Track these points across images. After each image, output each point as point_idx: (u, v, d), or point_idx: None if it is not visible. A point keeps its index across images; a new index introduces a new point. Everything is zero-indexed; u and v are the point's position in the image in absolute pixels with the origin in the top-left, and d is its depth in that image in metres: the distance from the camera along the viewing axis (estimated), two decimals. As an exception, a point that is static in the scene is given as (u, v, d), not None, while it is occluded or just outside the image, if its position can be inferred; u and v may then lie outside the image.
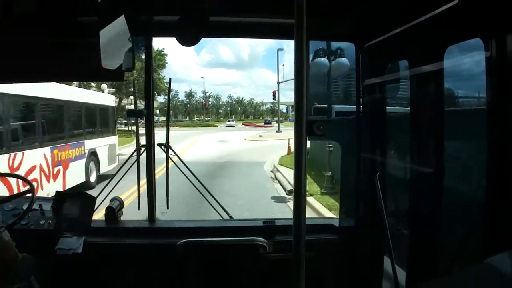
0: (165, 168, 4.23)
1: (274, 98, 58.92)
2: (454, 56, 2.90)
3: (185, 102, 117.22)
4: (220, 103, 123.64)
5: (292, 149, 2.29)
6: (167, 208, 4.39)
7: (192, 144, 38.49)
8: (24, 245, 3.02)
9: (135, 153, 4.04)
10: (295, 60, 1.65)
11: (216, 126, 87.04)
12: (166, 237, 3.78)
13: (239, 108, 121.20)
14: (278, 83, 65.83)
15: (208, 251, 3.74)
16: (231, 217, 4.22)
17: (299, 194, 1.66)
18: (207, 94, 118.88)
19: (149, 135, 3.87)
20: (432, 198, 3.11)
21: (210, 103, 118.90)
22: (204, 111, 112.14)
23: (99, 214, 4.04)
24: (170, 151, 4.21)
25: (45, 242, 3.46)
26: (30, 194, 3.68)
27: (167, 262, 3.70)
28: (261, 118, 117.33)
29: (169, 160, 4.25)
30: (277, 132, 60.33)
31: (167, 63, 51.34)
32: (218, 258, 3.75)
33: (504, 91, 2.31)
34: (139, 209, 4.22)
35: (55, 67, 3.58)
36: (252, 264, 3.74)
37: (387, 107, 3.88)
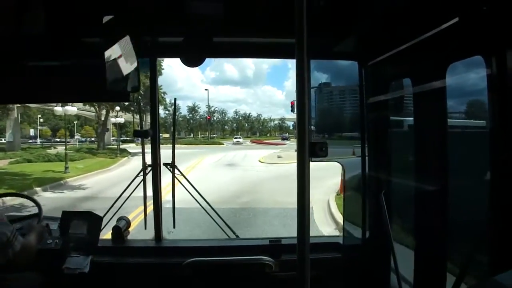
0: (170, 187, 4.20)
1: (292, 110, 49.17)
2: (456, 73, 2.92)
3: (188, 117, 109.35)
4: (226, 118, 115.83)
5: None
6: (174, 227, 4.38)
7: (191, 169, 28.09)
8: (32, 263, 3.04)
9: (141, 173, 4.04)
10: (297, 79, 1.67)
11: (222, 144, 79.09)
12: (173, 257, 3.78)
13: (246, 124, 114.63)
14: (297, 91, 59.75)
15: (214, 270, 3.73)
16: (237, 236, 4.21)
17: (302, 212, 1.67)
18: (212, 109, 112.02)
19: (155, 155, 3.89)
20: (438, 215, 3.10)
21: (215, 118, 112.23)
22: (209, 127, 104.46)
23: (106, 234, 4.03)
24: (176, 171, 4.21)
25: (52, 261, 3.47)
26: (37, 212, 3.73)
27: (173, 282, 3.70)
28: (268, 135, 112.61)
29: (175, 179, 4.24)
30: (295, 150, 53.14)
31: (163, 69, 48.75)
32: (225, 277, 3.74)
33: (506, 107, 2.32)
34: (145, 228, 4.22)
35: (60, 88, 3.62)
36: (258, 283, 3.73)
37: (391, 125, 3.89)
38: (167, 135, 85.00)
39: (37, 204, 3.87)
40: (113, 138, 66.03)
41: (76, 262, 3.50)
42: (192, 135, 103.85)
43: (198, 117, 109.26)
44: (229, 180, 23.87)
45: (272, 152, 50.23)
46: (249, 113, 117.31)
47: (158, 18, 3.23)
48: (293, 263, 1.71)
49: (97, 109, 48.62)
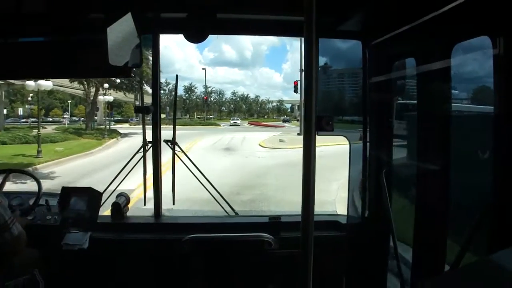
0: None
1: (295, 90, 47.81)
2: (462, 53, 2.91)
3: (184, 97, 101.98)
4: (223, 99, 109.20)
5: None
6: (173, 204, 4.39)
7: (181, 156, 13.38)
8: (30, 240, 3.04)
9: (142, 149, 4.04)
10: (305, 57, 1.66)
11: (219, 125, 74.01)
12: (172, 233, 3.80)
13: (244, 106, 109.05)
14: (301, 70, 44.80)
15: (213, 246, 3.75)
16: (236, 213, 4.23)
17: (307, 190, 1.67)
18: (209, 90, 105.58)
19: (156, 132, 3.88)
20: (438, 195, 3.11)
21: (212, 99, 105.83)
22: (206, 108, 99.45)
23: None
24: (176, 147, 4.21)
25: (51, 237, 3.48)
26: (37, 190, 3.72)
27: (172, 258, 3.72)
28: (266, 117, 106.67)
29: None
30: (298, 134, 44.53)
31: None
32: (224, 254, 3.77)
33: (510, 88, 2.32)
34: (145, 204, 4.22)
35: (63, 64, 3.60)
36: (257, 259, 3.75)
37: (394, 104, 3.89)
38: (162, 116, 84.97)
39: (36, 180, 3.87)
40: (106, 118, 63.72)
41: (75, 238, 3.51)
42: (188, 116, 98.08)
43: (194, 97, 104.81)
44: (226, 170, 19.49)
45: (272, 135, 46.17)
46: (247, 94, 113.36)
47: None
48: (292, 240, 1.73)
49: (86, 86, 45.29)
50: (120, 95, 53.84)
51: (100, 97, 43.28)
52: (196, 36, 3.42)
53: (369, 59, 3.80)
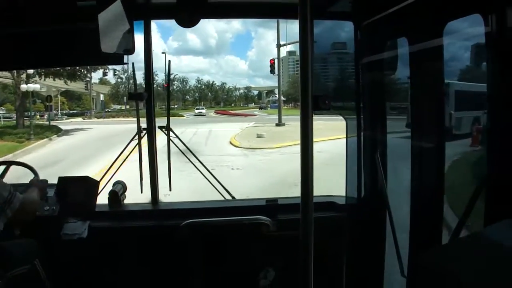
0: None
1: (272, 71, 40.03)
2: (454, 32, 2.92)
3: (144, 86, 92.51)
4: (187, 87, 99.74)
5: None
6: (170, 190, 4.40)
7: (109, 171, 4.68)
8: (29, 231, 3.05)
9: (137, 136, 4.04)
10: (300, 39, 1.67)
11: (182, 116, 63.06)
12: (170, 219, 3.82)
13: (209, 94, 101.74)
14: (279, 46, 41.20)
15: (211, 231, 3.78)
16: (233, 197, 4.25)
17: (306, 171, 1.68)
18: (172, 77, 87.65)
19: (150, 118, 3.89)
20: (432, 171, 3.14)
21: (175, 87, 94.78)
22: (167, 97, 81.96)
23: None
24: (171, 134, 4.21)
25: (50, 227, 3.49)
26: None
27: (171, 244, 3.73)
28: (233, 105, 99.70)
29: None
30: (277, 125, 38.66)
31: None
32: (222, 238, 3.79)
33: (504, 66, 2.34)
34: (141, 192, 4.23)
35: (55, 53, 3.59)
36: (256, 242, 3.77)
37: (386, 85, 3.91)
38: (120, 107, 75.63)
39: (32, 170, 3.87)
40: (61, 112, 57.80)
41: (74, 227, 3.52)
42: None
43: (155, 86, 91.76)
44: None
45: (245, 127, 38.19)
46: (213, 82, 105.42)
47: None
48: (290, 222, 1.74)
49: (15, 74, 33.89)
50: (74, 85, 49.75)
51: (23, 86, 33.37)
52: (187, 21, 3.40)
53: (361, 40, 3.80)
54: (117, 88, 75.80)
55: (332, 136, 19.64)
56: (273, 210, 3.78)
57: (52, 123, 41.60)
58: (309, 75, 1.65)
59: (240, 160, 20.69)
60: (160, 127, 4.12)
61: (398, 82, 4.00)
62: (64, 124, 43.32)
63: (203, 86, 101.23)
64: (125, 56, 3.51)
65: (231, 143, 27.81)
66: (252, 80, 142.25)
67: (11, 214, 2.80)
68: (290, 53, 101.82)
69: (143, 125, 3.96)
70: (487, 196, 2.47)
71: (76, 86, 51.16)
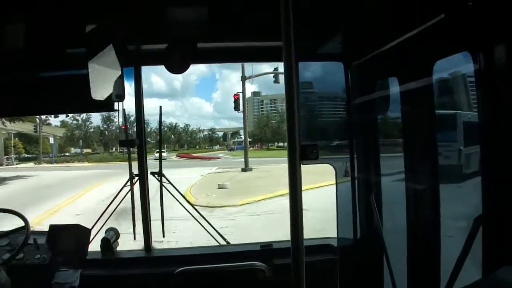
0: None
1: (236, 108, 37.10)
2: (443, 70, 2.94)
3: (102, 129, 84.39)
4: (149, 130, 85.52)
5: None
6: (163, 236, 4.35)
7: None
8: (20, 280, 2.98)
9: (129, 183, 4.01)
10: (285, 82, 1.65)
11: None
12: (163, 266, 3.74)
13: (172, 136, 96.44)
14: (244, 79, 37.61)
15: (206, 278, 3.69)
16: (227, 242, 4.19)
17: (295, 215, 1.66)
18: (131, 119, 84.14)
19: (142, 164, 3.86)
20: (428, 216, 3.11)
21: (135, 129, 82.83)
22: (159, 141, 74.98)
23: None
24: (164, 179, 4.19)
25: (41, 276, 3.41)
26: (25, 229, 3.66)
27: None
28: (197, 147, 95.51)
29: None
30: (243, 170, 35.42)
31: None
32: (217, 285, 3.71)
33: (493, 101, 2.34)
34: (134, 238, 4.17)
35: (44, 100, 3.58)
36: None
37: (378, 125, 3.90)
38: (88, 150, 74.01)
39: (23, 218, 3.81)
40: (14, 156, 54.38)
41: (66, 276, 3.44)
42: (108, 150, 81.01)
43: (114, 128, 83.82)
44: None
45: (206, 173, 33.87)
46: (175, 123, 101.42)
47: (142, 26, 3.21)
48: (285, 267, 1.71)
49: None
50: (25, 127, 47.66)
51: None
52: (177, 66, 3.42)
53: (351, 80, 3.82)
54: (72, 131, 73.30)
55: (317, 183, 17.45)
56: (268, 255, 3.72)
57: (-1, 168, 37.41)
58: (296, 123, 1.64)
59: (191, 228, 9.19)
60: (152, 173, 4.09)
61: (390, 122, 4.00)
62: (9, 170, 41.29)
63: (165, 128, 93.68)
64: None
65: (185, 198, 15.83)
66: (218, 122, 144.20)
67: None
68: (255, 93, 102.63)
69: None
70: (486, 240, 2.44)
71: (27, 128, 49.50)
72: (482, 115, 2.50)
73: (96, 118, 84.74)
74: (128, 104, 3.63)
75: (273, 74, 38.25)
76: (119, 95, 3.17)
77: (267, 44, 3.57)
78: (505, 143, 2.32)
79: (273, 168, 34.53)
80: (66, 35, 3.20)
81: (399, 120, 3.46)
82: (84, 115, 69.60)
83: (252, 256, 3.74)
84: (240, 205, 19.02)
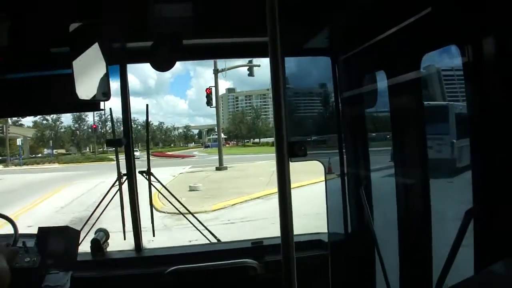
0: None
1: (208, 103, 35.07)
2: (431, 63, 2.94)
3: (73, 128, 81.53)
4: (122, 129, 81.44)
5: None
6: (153, 235, 4.32)
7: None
8: (10, 284, 2.94)
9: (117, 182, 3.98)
10: (272, 78, 1.64)
11: (112, 160, 25.47)
12: (154, 266, 3.73)
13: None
14: (216, 71, 36.33)
15: (197, 277, 3.68)
16: (218, 240, 4.17)
17: (284, 213, 1.65)
18: (104, 117, 79.06)
19: (130, 164, 3.83)
20: (419, 209, 3.11)
21: (107, 128, 75.41)
22: (95, 139, 78.02)
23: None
24: (152, 178, 4.16)
25: (31, 279, 3.38)
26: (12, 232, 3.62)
27: None
28: (172, 145, 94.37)
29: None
30: (218, 169, 34.01)
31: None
32: (209, 284, 3.69)
33: (481, 95, 2.34)
34: (124, 239, 4.15)
35: (28, 101, 3.54)
36: (243, 286, 3.69)
37: (367, 119, 3.90)
38: (62, 151, 72.22)
39: (11, 222, 3.77)
40: None
41: (56, 279, 3.41)
42: (80, 150, 79.84)
43: (86, 127, 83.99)
44: None
45: (178, 173, 32.13)
46: (150, 121, 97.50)
47: (127, 23, 3.18)
48: (277, 264, 1.70)
49: None
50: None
51: None
52: (163, 64, 3.39)
53: (339, 75, 3.81)
54: (43, 131, 71.63)
55: (302, 181, 17.38)
56: (259, 252, 3.71)
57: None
58: (283, 120, 1.62)
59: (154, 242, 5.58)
60: (141, 172, 4.06)
61: (379, 116, 4.00)
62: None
63: (139, 127, 80.00)
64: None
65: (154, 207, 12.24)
66: (193, 119, 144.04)
67: None
68: (230, 90, 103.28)
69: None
70: (478, 232, 2.45)
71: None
72: (471, 108, 2.50)
73: (67, 118, 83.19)
74: (111, 103, 3.58)
75: (247, 67, 37.06)
76: (105, 94, 3.14)
77: (253, 40, 3.55)
78: (494, 135, 2.32)
79: (248, 166, 34.52)
80: (50, 34, 3.16)
81: (387, 114, 3.46)
82: (54, 115, 67.88)
83: (243, 253, 3.73)
84: (213, 210, 17.19)
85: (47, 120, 67.99)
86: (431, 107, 3.70)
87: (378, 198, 3.78)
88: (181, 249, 4.39)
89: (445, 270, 2.54)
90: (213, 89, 36.20)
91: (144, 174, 4.12)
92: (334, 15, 3.06)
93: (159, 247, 4.45)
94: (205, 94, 35.58)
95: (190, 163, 42.76)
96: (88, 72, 3.00)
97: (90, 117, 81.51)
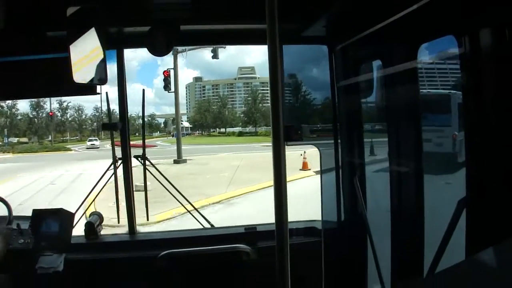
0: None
1: (166, 86, 29.74)
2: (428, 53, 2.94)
3: (31, 116, 74.85)
4: (84, 117, 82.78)
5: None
6: (147, 219, 4.33)
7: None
8: (4, 265, 2.96)
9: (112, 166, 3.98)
10: (270, 65, 1.65)
11: (69, 149, 54.71)
12: (148, 250, 3.76)
13: None
14: (176, 53, 31.84)
15: (190, 261, 3.71)
16: (212, 225, 4.20)
17: (280, 198, 1.66)
18: (64, 105, 78.16)
19: (125, 148, 3.84)
20: (412, 196, 3.14)
21: (68, 116, 79.71)
22: (52, 128, 72.42)
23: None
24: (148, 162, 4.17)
25: (25, 261, 3.39)
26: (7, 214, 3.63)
27: (150, 275, 3.65)
28: (137, 134, 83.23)
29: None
30: (176, 162, 29.72)
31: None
32: (202, 268, 3.72)
33: (478, 84, 2.36)
34: (118, 222, 4.16)
35: (24, 84, 3.54)
36: (236, 271, 3.72)
37: (363, 108, 3.91)
38: (24, 139, 68.33)
39: (5, 203, 3.77)
40: None
41: (50, 261, 3.42)
42: (40, 138, 73.27)
43: (44, 115, 76.25)
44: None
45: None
46: (113, 109, 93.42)
47: (125, 8, 3.17)
48: (269, 249, 1.72)
49: None
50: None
51: None
52: (160, 49, 3.40)
53: (336, 63, 3.82)
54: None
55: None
56: (252, 237, 3.74)
57: None
58: (280, 105, 1.64)
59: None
60: (136, 156, 4.07)
61: (375, 105, 4.01)
62: None
63: (102, 115, 79.35)
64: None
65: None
66: (159, 108, 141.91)
67: None
68: (197, 79, 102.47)
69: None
70: (468, 218, 2.47)
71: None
72: (466, 98, 2.51)
73: (23, 104, 77.06)
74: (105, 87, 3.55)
75: (211, 49, 34.15)
76: (102, 79, 3.14)
77: (251, 27, 3.55)
78: (488, 126, 2.34)
79: (211, 159, 31.81)
80: (47, 18, 3.15)
81: (384, 103, 3.47)
82: (9, 101, 64.01)
83: (236, 238, 3.77)
84: (157, 222, 12.50)
85: (1, 106, 64.23)
86: (431, 96, 3.66)
87: (371, 187, 3.80)
88: (175, 233, 4.41)
89: (436, 257, 2.57)
90: (172, 72, 31.72)
91: (139, 159, 4.13)
92: (332, 3, 3.06)
93: (153, 231, 4.47)
94: (163, 78, 30.38)
95: (149, 153, 38.28)
96: (85, 56, 3.00)
97: (48, 104, 75.73)
